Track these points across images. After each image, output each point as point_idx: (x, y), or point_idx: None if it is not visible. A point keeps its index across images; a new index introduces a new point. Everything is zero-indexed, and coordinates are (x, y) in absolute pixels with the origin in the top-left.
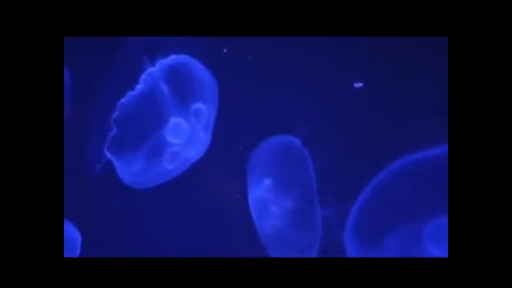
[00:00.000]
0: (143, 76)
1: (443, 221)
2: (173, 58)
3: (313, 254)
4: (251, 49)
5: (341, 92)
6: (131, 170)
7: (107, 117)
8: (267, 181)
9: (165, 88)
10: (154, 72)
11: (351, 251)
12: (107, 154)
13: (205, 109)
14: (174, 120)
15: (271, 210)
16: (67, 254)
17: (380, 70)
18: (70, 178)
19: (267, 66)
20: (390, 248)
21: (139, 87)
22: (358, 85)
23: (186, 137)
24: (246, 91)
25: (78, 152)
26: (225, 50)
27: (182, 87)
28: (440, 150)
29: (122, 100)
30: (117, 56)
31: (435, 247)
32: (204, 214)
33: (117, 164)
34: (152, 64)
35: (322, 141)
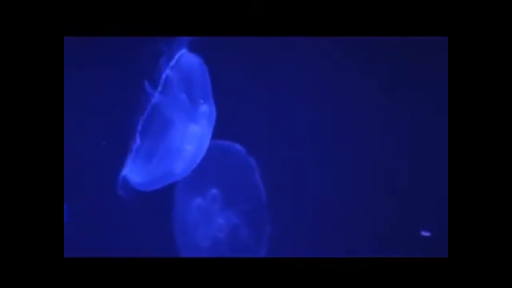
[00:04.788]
0: (161, 81)
1: None
2: (183, 57)
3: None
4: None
5: (338, 92)
6: (141, 173)
7: (110, 117)
8: (213, 191)
9: (179, 92)
10: (171, 76)
11: None
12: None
13: (208, 109)
14: (192, 128)
15: (216, 222)
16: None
17: (380, 70)
18: (70, 177)
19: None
20: None
21: (158, 93)
22: (425, 234)
23: (198, 140)
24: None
25: (78, 151)
26: None
27: (192, 88)
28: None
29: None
30: (119, 55)
31: None
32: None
33: (129, 167)
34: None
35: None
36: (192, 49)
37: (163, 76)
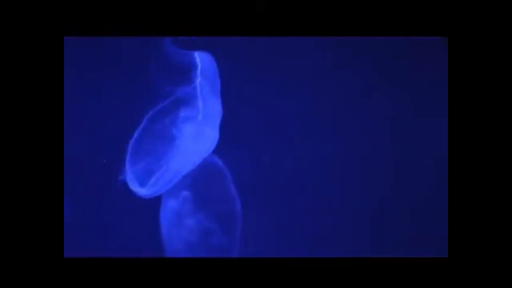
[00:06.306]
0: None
1: None
2: (200, 58)
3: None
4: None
5: (338, 92)
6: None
7: (110, 117)
8: (184, 193)
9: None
10: (200, 81)
11: None
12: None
13: (218, 111)
14: (204, 130)
15: (185, 224)
16: None
17: (379, 70)
18: (70, 177)
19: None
20: None
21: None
22: None
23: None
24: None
25: (78, 152)
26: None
27: (205, 89)
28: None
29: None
30: (119, 55)
31: None
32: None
33: (131, 169)
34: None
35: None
36: (193, 49)
37: (195, 83)
